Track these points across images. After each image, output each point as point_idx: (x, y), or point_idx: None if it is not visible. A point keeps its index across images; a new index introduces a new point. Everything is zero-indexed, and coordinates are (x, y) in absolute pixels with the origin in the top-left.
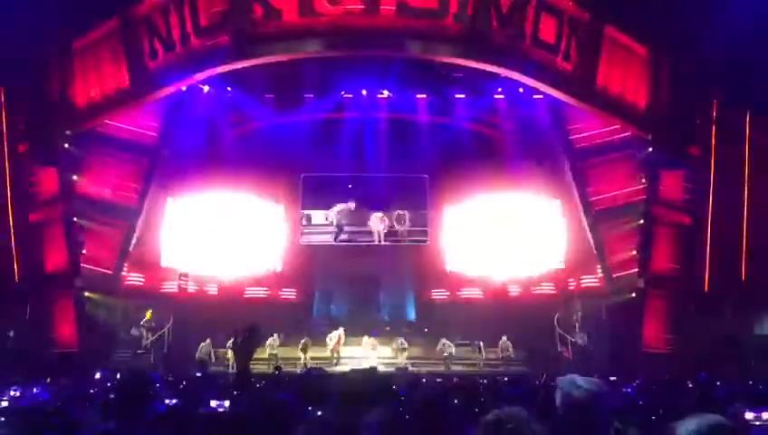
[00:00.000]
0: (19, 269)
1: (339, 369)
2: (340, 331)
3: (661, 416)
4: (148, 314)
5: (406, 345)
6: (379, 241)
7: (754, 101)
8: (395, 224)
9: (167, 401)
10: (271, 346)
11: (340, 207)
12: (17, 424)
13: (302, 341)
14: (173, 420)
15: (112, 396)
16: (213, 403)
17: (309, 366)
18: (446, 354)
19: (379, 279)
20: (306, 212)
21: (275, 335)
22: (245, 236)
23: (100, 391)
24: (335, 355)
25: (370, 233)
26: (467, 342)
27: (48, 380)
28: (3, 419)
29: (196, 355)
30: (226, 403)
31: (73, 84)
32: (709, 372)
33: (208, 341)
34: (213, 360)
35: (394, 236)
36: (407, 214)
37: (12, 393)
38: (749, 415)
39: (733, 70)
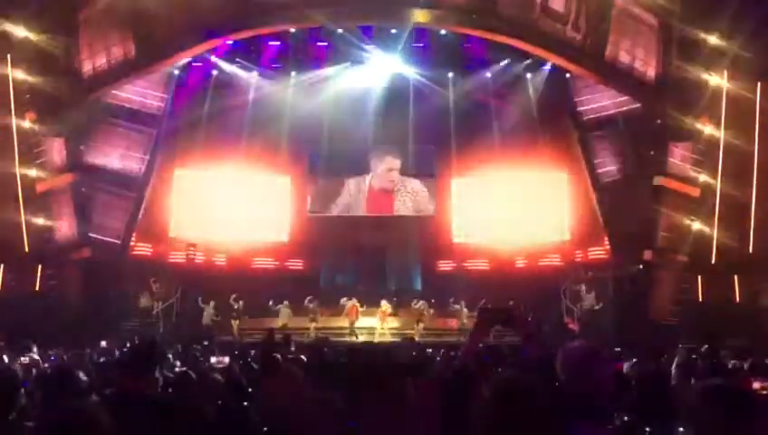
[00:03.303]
0: (28, 239)
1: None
2: (354, 301)
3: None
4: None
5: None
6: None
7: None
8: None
9: (175, 369)
10: (284, 314)
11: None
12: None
13: (311, 308)
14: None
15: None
16: (213, 359)
17: (317, 336)
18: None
19: (385, 250)
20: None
21: (286, 302)
22: (253, 207)
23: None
24: (352, 327)
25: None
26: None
27: (58, 349)
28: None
29: (203, 320)
30: (226, 359)
31: (80, 54)
32: (716, 343)
33: (212, 304)
34: (214, 321)
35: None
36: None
37: (22, 360)
38: (756, 384)
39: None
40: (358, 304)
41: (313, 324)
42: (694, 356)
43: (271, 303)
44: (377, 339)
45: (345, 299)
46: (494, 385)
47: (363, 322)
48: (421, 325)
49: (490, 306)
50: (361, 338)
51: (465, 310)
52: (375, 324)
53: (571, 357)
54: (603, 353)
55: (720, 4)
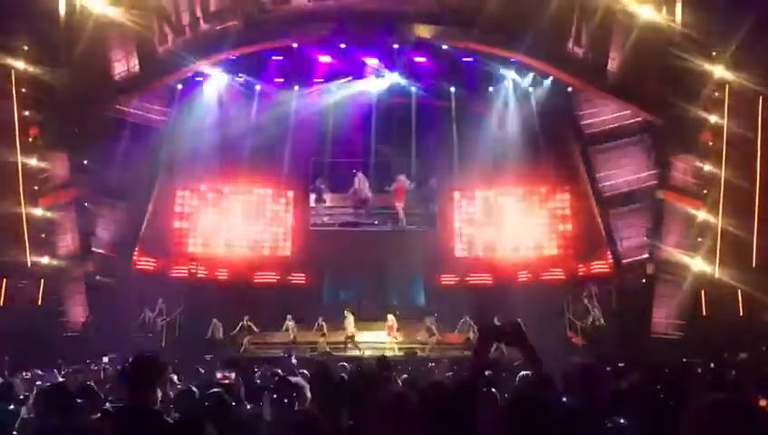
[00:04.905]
0: (31, 254)
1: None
2: (346, 313)
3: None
4: None
5: (434, 330)
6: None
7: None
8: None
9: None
10: (291, 329)
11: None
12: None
13: (318, 324)
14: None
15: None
16: (218, 374)
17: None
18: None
19: (387, 264)
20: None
21: (289, 316)
22: (255, 220)
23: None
24: (353, 340)
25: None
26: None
27: (60, 363)
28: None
29: (207, 336)
30: (232, 375)
31: (84, 70)
32: (720, 358)
33: (214, 321)
34: (220, 338)
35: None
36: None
37: (24, 375)
38: (762, 402)
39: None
40: (351, 315)
41: (323, 339)
42: (700, 371)
43: (289, 319)
44: (387, 353)
45: (347, 311)
46: (507, 401)
47: (371, 336)
48: (434, 338)
49: (497, 323)
50: (368, 353)
51: (470, 325)
52: (383, 339)
53: (571, 374)
54: (602, 370)
55: (721, 18)
